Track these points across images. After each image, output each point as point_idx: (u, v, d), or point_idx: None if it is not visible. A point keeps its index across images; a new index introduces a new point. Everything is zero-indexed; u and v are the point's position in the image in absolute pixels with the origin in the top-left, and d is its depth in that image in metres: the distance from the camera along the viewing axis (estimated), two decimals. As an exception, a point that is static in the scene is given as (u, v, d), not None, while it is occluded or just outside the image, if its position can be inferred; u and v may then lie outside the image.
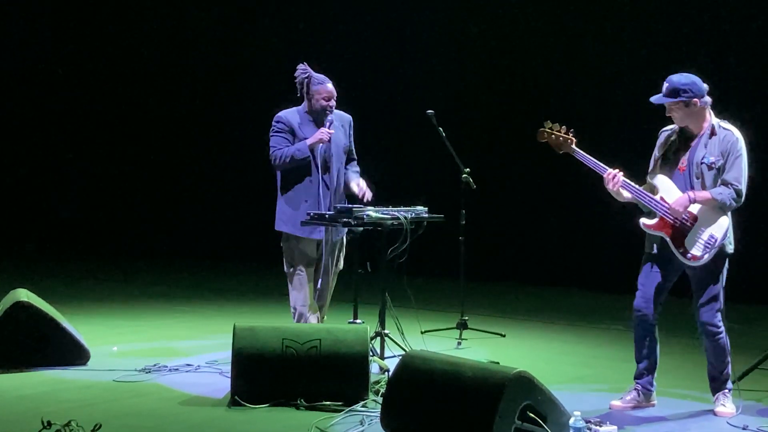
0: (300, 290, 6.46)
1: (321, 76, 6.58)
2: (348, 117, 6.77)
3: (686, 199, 5.38)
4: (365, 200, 6.49)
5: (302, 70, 6.59)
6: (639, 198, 5.45)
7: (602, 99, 10.65)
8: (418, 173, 11.58)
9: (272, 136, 6.55)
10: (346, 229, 6.55)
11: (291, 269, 6.50)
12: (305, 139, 6.44)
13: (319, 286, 6.51)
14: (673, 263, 5.51)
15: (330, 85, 6.56)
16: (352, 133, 6.79)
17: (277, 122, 6.55)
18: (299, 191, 6.49)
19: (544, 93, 10.95)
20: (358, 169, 6.80)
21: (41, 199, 14.63)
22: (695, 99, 5.39)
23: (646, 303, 5.52)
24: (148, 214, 13.89)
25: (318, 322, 6.47)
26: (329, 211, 6.34)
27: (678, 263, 5.49)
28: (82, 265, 12.66)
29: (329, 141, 6.49)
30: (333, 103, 6.53)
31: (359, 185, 6.58)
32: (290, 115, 6.58)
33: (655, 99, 5.48)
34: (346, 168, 6.72)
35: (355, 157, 6.84)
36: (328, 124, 6.45)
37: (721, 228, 5.38)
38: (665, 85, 5.45)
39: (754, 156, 5.77)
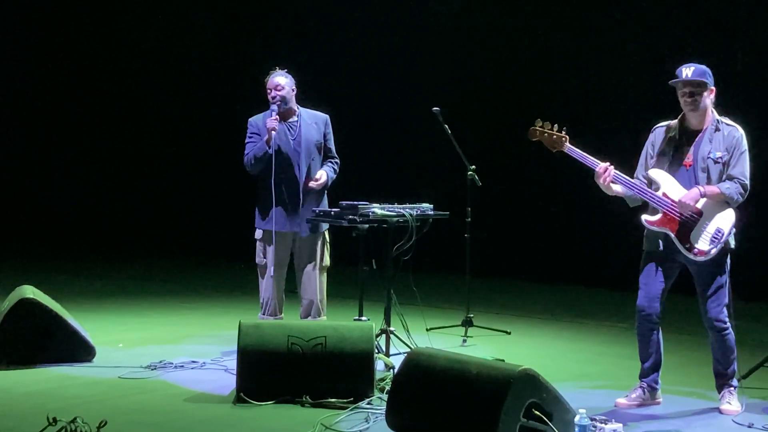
0: (264, 283, 6.70)
1: (276, 72, 6.71)
2: (323, 116, 6.85)
3: (697, 193, 5.34)
4: (311, 185, 6.60)
5: (268, 74, 6.75)
6: (636, 192, 5.43)
7: (608, 95, 10.64)
8: (424, 170, 11.58)
9: (245, 142, 6.72)
10: (324, 225, 6.63)
11: (261, 262, 6.73)
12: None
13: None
14: (674, 260, 5.49)
15: (275, 78, 6.67)
16: (329, 131, 6.83)
17: (248, 127, 6.75)
18: (263, 187, 6.63)
19: (550, 90, 10.93)
20: (334, 161, 6.84)
21: (46, 196, 14.64)
22: (712, 88, 5.40)
23: (649, 302, 5.51)
24: (155, 211, 13.90)
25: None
26: (299, 205, 6.55)
27: (679, 260, 5.48)
28: (88, 262, 12.68)
29: (295, 139, 6.62)
30: (275, 93, 6.62)
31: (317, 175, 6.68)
32: (259, 117, 6.74)
33: (686, 76, 5.33)
34: (325, 164, 6.81)
35: (334, 155, 6.88)
36: (272, 113, 6.57)
37: (728, 221, 5.36)
38: (689, 69, 5.34)
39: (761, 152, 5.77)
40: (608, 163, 5.42)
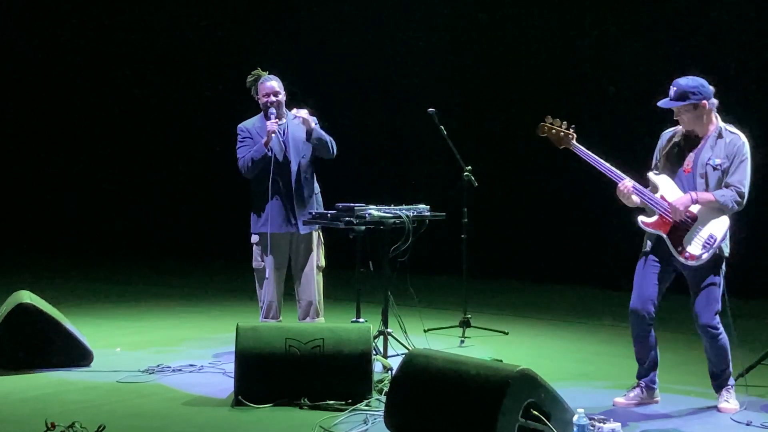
0: (263, 287, 6.68)
1: (267, 77, 6.73)
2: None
3: (688, 199, 5.37)
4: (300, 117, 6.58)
5: (251, 76, 6.77)
6: (647, 203, 5.45)
7: (605, 97, 10.65)
8: (420, 172, 11.58)
9: (237, 148, 6.73)
10: (315, 225, 6.63)
11: (259, 266, 6.70)
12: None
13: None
14: (669, 263, 5.49)
15: (270, 83, 6.70)
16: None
17: (239, 133, 6.76)
18: (259, 188, 6.64)
19: (545, 91, 10.94)
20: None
21: (42, 200, 14.63)
22: (704, 101, 5.38)
23: (642, 303, 5.50)
24: (152, 215, 13.89)
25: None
26: (293, 204, 6.56)
27: (674, 264, 5.48)
28: (85, 266, 12.67)
29: (284, 139, 6.64)
30: (273, 98, 6.66)
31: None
32: (249, 122, 6.78)
33: (663, 104, 5.45)
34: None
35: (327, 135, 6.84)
36: (271, 116, 6.60)
37: (722, 228, 5.37)
38: (672, 89, 5.42)
39: (760, 153, 5.77)
40: (631, 183, 5.42)
